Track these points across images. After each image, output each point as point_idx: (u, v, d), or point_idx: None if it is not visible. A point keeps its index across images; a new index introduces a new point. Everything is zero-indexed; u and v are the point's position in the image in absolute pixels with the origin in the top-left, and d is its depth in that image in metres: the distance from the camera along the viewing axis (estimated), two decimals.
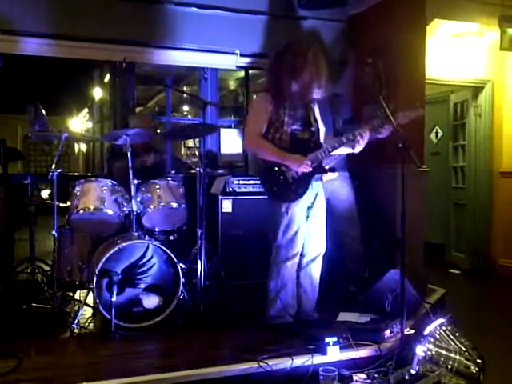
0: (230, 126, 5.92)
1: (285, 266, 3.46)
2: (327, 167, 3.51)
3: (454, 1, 5.08)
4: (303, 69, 3.32)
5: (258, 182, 3.61)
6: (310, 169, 3.34)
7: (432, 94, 6.38)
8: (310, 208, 3.50)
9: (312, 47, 3.37)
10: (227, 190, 4.37)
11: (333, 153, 3.41)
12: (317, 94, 3.43)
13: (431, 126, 7.03)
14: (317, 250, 3.56)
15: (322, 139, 3.52)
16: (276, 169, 3.38)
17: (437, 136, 7.25)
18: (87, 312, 3.74)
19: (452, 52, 5.66)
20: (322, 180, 3.52)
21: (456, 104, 6.62)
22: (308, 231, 3.51)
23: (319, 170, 3.42)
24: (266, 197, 3.50)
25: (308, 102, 3.49)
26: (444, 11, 5.03)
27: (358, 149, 3.38)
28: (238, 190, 4.40)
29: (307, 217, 3.50)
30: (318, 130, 3.53)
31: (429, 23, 4.84)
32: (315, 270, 3.58)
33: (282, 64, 3.36)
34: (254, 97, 3.55)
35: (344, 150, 3.48)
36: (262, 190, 3.53)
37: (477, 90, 6.15)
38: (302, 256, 3.54)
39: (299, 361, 2.96)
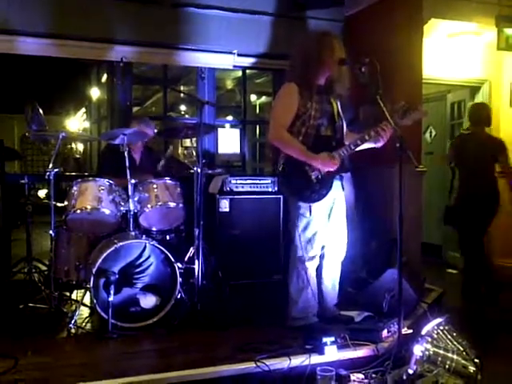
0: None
1: (305, 267, 3.39)
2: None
3: (450, 0, 5.08)
4: (330, 60, 3.29)
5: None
6: (336, 167, 3.29)
7: (429, 94, 6.38)
8: (331, 208, 3.45)
9: (337, 40, 3.35)
10: (225, 190, 4.36)
11: (356, 150, 3.35)
12: (340, 88, 3.41)
13: (425, 125, 7.03)
14: (339, 251, 3.53)
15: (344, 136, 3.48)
16: (300, 168, 3.29)
17: (431, 135, 7.26)
18: (84, 312, 3.74)
19: (449, 52, 5.66)
20: (342, 178, 3.48)
21: (453, 103, 6.61)
22: (330, 232, 3.48)
23: (341, 168, 3.36)
24: (269, 196, 3.43)
25: (332, 97, 3.45)
26: (441, 11, 5.04)
27: (380, 144, 3.34)
28: (235, 189, 4.39)
29: (329, 216, 3.47)
30: (341, 126, 3.48)
31: (425, 23, 4.85)
32: (336, 269, 3.56)
33: (309, 56, 3.29)
34: (284, 86, 3.41)
35: (366, 146, 3.40)
36: (267, 189, 3.45)
37: (474, 89, 6.14)
38: (323, 256, 3.51)
39: (297, 361, 2.95)
